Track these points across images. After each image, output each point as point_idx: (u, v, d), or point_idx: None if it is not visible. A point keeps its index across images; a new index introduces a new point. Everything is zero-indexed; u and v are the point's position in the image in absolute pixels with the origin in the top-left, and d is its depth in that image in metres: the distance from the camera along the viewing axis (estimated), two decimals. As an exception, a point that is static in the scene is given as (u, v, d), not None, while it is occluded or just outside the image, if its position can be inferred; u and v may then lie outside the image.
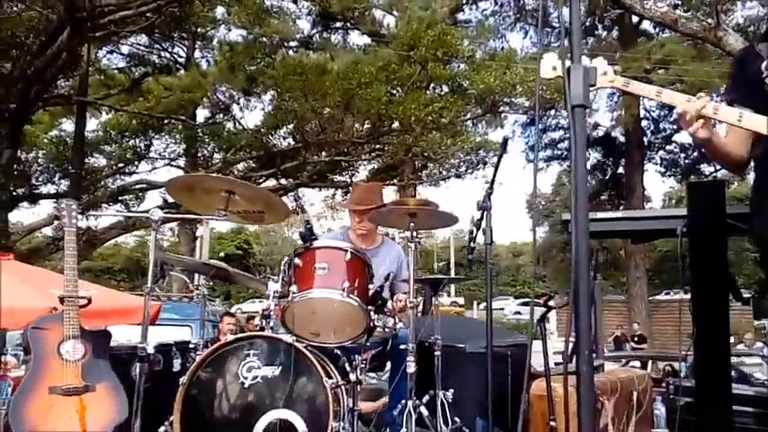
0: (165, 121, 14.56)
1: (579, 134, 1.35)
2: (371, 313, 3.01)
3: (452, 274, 26.26)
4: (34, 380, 3.00)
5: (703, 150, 2.35)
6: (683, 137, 23.72)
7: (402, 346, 3.04)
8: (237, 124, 14.00)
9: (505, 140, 3.35)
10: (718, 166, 23.17)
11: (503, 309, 32.29)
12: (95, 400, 3.07)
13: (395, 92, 11.20)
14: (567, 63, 2.16)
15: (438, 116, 10.33)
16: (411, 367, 2.96)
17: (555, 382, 3.30)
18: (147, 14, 9.69)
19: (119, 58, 16.99)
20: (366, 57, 16.36)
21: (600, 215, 3.26)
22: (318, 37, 20.69)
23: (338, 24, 20.60)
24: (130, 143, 15.21)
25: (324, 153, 11.98)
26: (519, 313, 32.14)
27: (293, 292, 2.91)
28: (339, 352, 3.16)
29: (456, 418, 3.36)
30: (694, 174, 24.82)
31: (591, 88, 1.81)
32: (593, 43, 21.96)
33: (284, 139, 13.01)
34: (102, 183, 14.31)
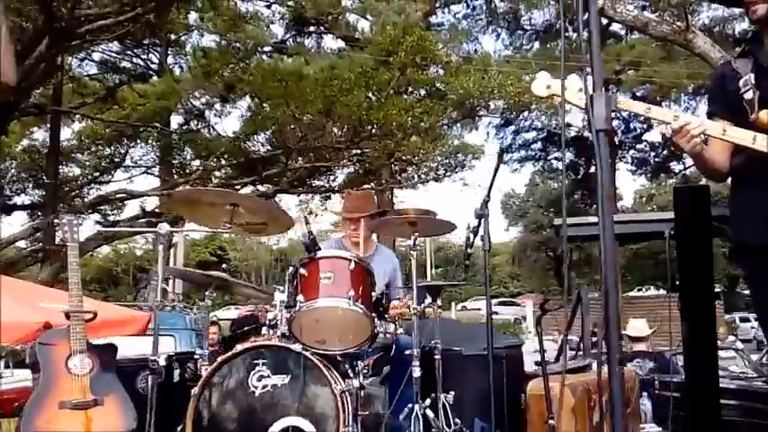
0: (141, 129, 14.45)
1: (603, 156, 1.46)
2: (375, 320, 3.10)
3: (429, 277, 26.44)
4: (44, 395, 3.03)
5: (696, 164, 2.49)
6: (653, 136, 24.28)
7: (407, 352, 3.13)
8: (213, 131, 13.99)
9: (502, 151, 3.47)
10: (685, 164, 23.79)
11: (479, 309, 32.60)
12: (104, 414, 3.10)
13: (373, 97, 11.29)
14: (566, 82, 2.29)
15: (419, 121, 10.46)
16: (417, 372, 3.06)
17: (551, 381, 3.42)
18: (124, 23, 9.64)
19: (90, 66, 16.85)
20: (342, 61, 16.44)
21: (591, 219, 3.39)
22: (292, 42, 20.74)
23: (312, 29, 20.67)
24: (106, 152, 15.08)
25: (302, 159, 12.01)
26: (495, 313, 32.44)
27: (300, 302, 2.99)
28: (340, 358, 3.24)
29: (456, 420, 3.46)
30: (664, 172, 25.44)
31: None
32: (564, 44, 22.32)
33: (263, 145, 13.01)
34: (78, 192, 14.17)
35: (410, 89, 12.52)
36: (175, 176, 15.12)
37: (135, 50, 16.57)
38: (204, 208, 3.08)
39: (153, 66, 17.08)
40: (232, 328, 9.04)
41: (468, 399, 3.72)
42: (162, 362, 3.01)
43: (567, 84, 2.26)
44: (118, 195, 11.80)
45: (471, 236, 3.28)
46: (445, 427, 3.30)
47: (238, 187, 13.51)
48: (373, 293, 3.16)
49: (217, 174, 13.20)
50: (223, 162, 13.26)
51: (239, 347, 2.98)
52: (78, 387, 3.08)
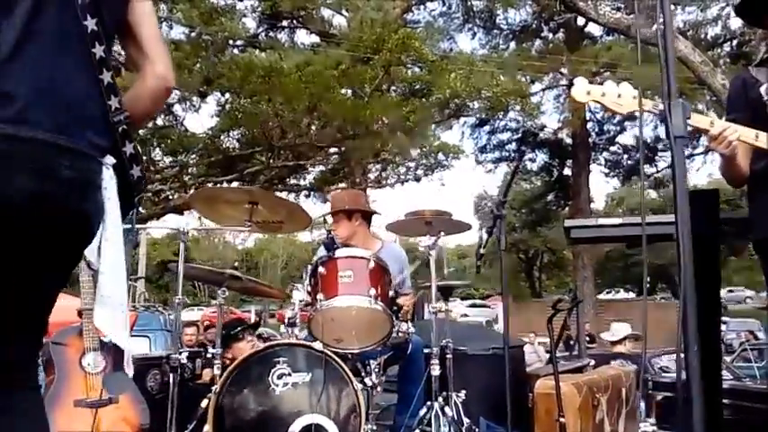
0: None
1: (680, 162, 1.51)
2: (393, 319, 3.12)
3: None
4: (58, 394, 2.99)
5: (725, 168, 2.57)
6: (626, 139, 24.69)
7: (426, 350, 3.16)
8: (182, 126, 13.79)
9: (522, 153, 3.52)
10: (657, 168, 24.24)
11: (451, 310, 32.60)
12: (119, 412, 3.08)
13: (357, 95, 11.30)
14: (603, 88, 2.34)
15: (404, 120, 10.50)
16: (436, 370, 3.09)
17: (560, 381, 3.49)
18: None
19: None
20: (317, 57, 16.41)
21: (602, 221, 3.47)
22: (264, 36, 20.60)
23: (285, 23, 20.55)
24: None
25: (281, 157, 11.94)
26: (466, 315, 32.61)
27: (320, 300, 2.99)
28: (353, 357, 3.26)
29: (466, 419, 3.50)
30: (635, 175, 25.87)
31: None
32: (540, 45, 22.59)
33: (239, 142, 12.88)
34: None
35: (393, 87, 12.56)
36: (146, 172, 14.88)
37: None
38: (223, 206, 3.07)
39: (119, 58, 16.75)
40: (208, 330, 8.95)
41: (474, 397, 3.77)
42: (184, 359, 2.97)
43: (606, 89, 2.30)
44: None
45: (485, 236, 3.32)
46: (457, 425, 3.33)
47: (210, 184, 13.39)
48: (390, 292, 3.18)
49: (191, 171, 13.00)
50: (195, 159, 13.09)
51: (261, 345, 2.98)
52: (93, 385, 3.05)
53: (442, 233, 3.23)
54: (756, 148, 2.45)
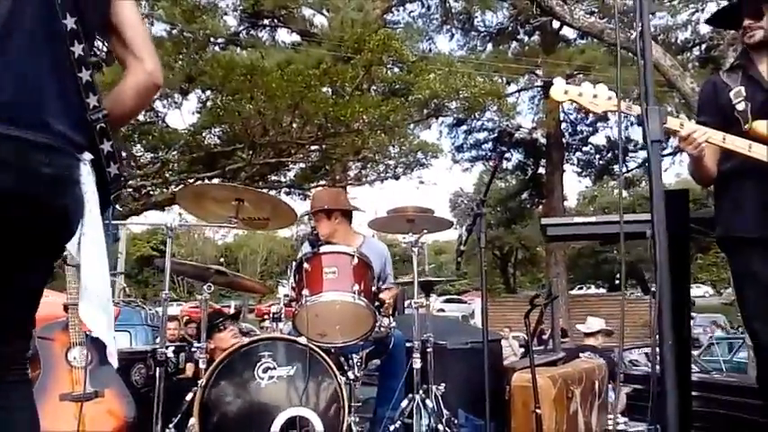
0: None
1: (656, 165, 1.61)
2: (376, 314, 3.20)
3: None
4: (45, 388, 3.03)
5: (693, 168, 2.69)
6: (598, 139, 25.07)
7: (408, 344, 3.25)
8: (163, 123, 13.71)
9: (502, 153, 3.62)
10: (627, 167, 24.63)
11: (430, 305, 32.74)
12: (105, 405, 3.12)
13: (339, 94, 11.36)
14: (580, 88, 2.46)
15: (385, 119, 10.59)
16: (417, 363, 3.19)
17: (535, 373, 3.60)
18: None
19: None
20: (298, 56, 16.40)
21: (577, 219, 3.58)
22: (245, 34, 20.54)
23: (266, 21, 20.51)
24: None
25: (263, 154, 11.95)
26: (442, 310, 32.79)
27: (305, 296, 3.06)
28: (335, 351, 3.33)
29: (446, 411, 3.59)
30: (607, 174, 26.29)
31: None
32: (516, 47, 22.84)
33: (220, 138, 12.86)
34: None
35: (374, 87, 12.63)
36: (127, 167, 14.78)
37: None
38: (209, 203, 3.12)
39: (100, 54, 16.60)
40: (189, 325, 8.95)
41: (453, 390, 3.86)
42: (169, 354, 3.02)
43: (583, 89, 2.42)
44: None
45: (465, 234, 3.42)
46: (439, 416, 3.42)
47: (191, 180, 13.34)
48: (373, 287, 3.26)
49: (173, 167, 12.94)
50: (177, 155, 13.02)
51: (246, 340, 3.04)
52: (78, 379, 3.09)
53: (425, 231, 3.32)
54: (724, 149, 2.59)
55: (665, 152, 21.69)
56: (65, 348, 3.14)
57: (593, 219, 3.60)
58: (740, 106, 2.59)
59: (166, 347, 3.08)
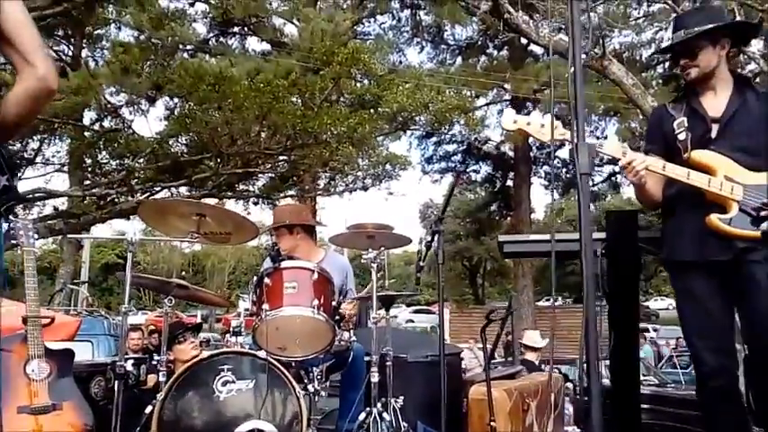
0: (56, 126, 13.80)
1: (585, 196, 1.72)
2: (335, 328, 3.27)
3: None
4: (4, 400, 3.01)
5: (637, 193, 2.84)
6: (565, 153, 25.45)
7: (366, 358, 3.32)
8: (130, 129, 13.56)
9: (458, 174, 3.72)
10: (593, 182, 25.16)
11: (396, 316, 32.93)
12: (62, 418, 3.13)
13: (307, 105, 11.42)
14: (528, 118, 2.58)
15: (353, 131, 10.67)
16: (375, 377, 3.26)
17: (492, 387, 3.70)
18: (49, 17, 9.33)
19: (-1, 56, 15.96)
20: (268, 65, 16.41)
21: (532, 237, 3.70)
22: (215, 41, 20.50)
23: (236, 29, 20.51)
24: (16, 147, 14.36)
25: (231, 164, 11.92)
26: (411, 321, 32.90)
27: (266, 310, 3.12)
28: (295, 364, 3.39)
29: (404, 423, 3.67)
30: (574, 188, 26.73)
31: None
32: (485, 61, 23.15)
33: (188, 147, 12.78)
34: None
35: (342, 99, 12.71)
36: (89, 176, 14.60)
37: (46, 41, 15.87)
38: (172, 218, 3.16)
39: (65, 58, 16.38)
40: (153, 335, 8.88)
41: (412, 403, 3.94)
42: (129, 367, 3.05)
43: (531, 119, 2.55)
44: (36, 195, 11.31)
45: (424, 250, 3.51)
46: (395, 429, 3.49)
47: (157, 189, 13.23)
48: (333, 302, 3.33)
49: (139, 175, 12.82)
50: (143, 163, 12.89)
51: (205, 354, 3.08)
52: (37, 391, 3.09)
53: (383, 248, 3.40)
54: (666, 177, 2.73)
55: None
56: (23, 361, 3.14)
57: (546, 237, 3.71)
58: (681, 136, 2.74)
59: (125, 360, 3.10)
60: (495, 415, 3.58)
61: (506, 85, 21.09)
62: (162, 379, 3.21)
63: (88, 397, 3.43)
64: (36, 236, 3.38)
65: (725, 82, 2.80)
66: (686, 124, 2.75)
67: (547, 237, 3.86)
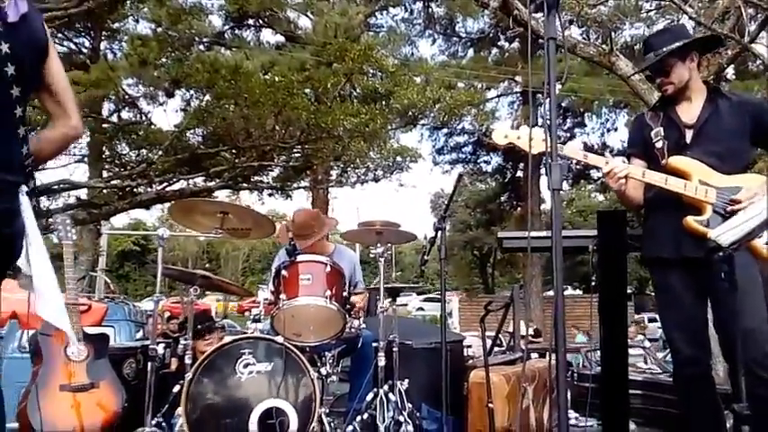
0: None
1: (557, 208, 2.00)
2: (346, 316, 3.58)
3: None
4: (46, 380, 3.37)
5: (619, 198, 3.12)
6: (576, 144, 25.63)
7: (374, 344, 3.63)
8: (147, 121, 13.88)
9: (460, 176, 4.01)
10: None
11: (406, 305, 33.31)
12: (99, 396, 3.47)
13: (317, 100, 11.71)
14: (518, 132, 2.83)
15: (364, 126, 10.95)
16: (381, 361, 3.57)
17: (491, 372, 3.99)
18: (75, 14, 9.66)
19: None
20: (282, 58, 16.70)
21: (534, 234, 3.96)
22: (230, 34, 20.79)
23: (251, 22, 20.77)
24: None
25: (246, 156, 12.23)
26: (422, 309, 33.27)
27: (283, 300, 3.43)
28: (309, 349, 3.70)
29: (408, 404, 3.98)
30: (584, 178, 26.89)
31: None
32: (497, 54, 23.31)
33: (204, 139, 13.10)
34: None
35: (354, 94, 12.98)
36: (109, 167, 14.95)
37: (66, 33, 16.15)
38: (197, 216, 3.48)
39: (84, 50, 16.68)
40: (171, 321, 9.23)
41: (417, 386, 4.24)
42: (160, 350, 3.38)
43: (521, 133, 2.82)
44: (60, 186, 11.69)
45: (428, 245, 3.80)
46: (401, 409, 3.81)
47: (175, 180, 13.56)
48: (344, 293, 3.64)
49: (157, 167, 13.15)
50: (161, 154, 13.21)
51: (228, 338, 3.40)
52: (77, 372, 3.43)
53: (390, 244, 3.70)
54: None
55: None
56: (64, 344, 3.48)
57: (542, 233, 3.98)
58: (658, 144, 2.99)
59: (157, 344, 3.43)
60: (492, 398, 3.87)
61: (517, 78, 21.28)
62: (188, 362, 3.53)
63: (121, 377, 3.77)
64: (73, 230, 3.71)
65: (698, 92, 3.03)
66: (662, 134, 2.99)
67: (542, 233, 4.15)
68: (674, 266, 2.94)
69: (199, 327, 4.79)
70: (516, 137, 2.85)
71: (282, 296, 3.44)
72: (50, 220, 3.74)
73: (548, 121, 2.15)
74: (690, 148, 2.95)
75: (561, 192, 2.08)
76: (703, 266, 2.80)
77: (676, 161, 2.92)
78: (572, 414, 5.17)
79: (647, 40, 3.17)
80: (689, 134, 2.98)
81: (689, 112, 3.02)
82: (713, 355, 3.22)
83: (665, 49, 2.96)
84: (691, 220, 2.84)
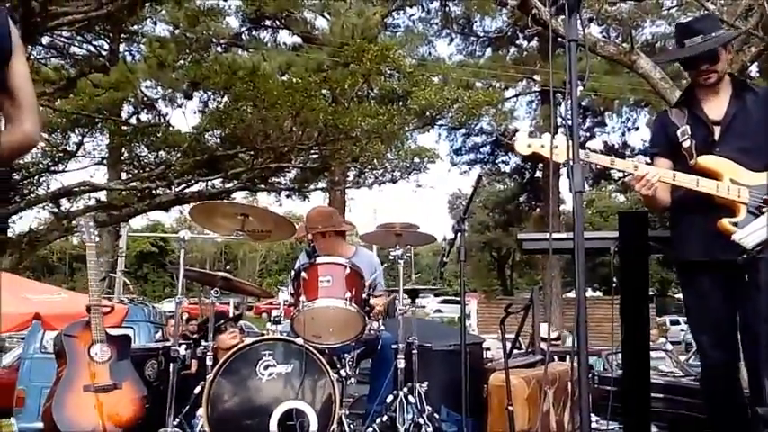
0: (97, 120, 14.33)
1: (578, 210, 1.98)
2: (366, 318, 3.58)
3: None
4: (71, 380, 3.41)
5: (646, 202, 3.01)
6: (596, 144, 25.48)
7: (394, 346, 3.63)
8: (165, 122, 13.98)
9: (480, 177, 4.00)
10: (624, 173, 25.10)
11: (424, 307, 33.21)
12: (122, 396, 3.51)
13: (335, 101, 11.75)
14: (542, 141, 2.78)
15: (382, 127, 10.97)
16: (401, 363, 3.57)
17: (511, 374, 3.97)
18: (95, 18, 9.78)
19: (37, 50, 16.48)
20: (299, 59, 16.78)
21: (556, 235, 3.93)
22: (247, 35, 20.94)
23: (267, 23, 20.89)
24: (58, 141, 14.92)
25: (263, 158, 12.30)
26: (440, 311, 33.19)
27: (303, 302, 3.44)
28: (329, 351, 3.71)
29: (428, 407, 3.97)
30: (604, 178, 26.71)
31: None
32: (515, 53, 23.21)
33: (222, 141, 13.20)
34: (31, 181, 14.02)
35: (372, 94, 13.01)
36: (128, 170, 15.11)
37: (85, 36, 16.30)
38: (218, 218, 3.50)
39: (103, 53, 16.83)
40: (190, 322, 9.32)
41: (436, 388, 4.23)
42: (182, 351, 3.40)
43: (544, 141, 2.75)
44: (81, 188, 11.85)
45: (447, 247, 3.80)
46: (420, 411, 3.79)
47: (194, 182, 13.66)
48: (364, 295, 3.64)
49: (176, 169, 13.27)
50: (180, 157, 13.31)
51: (248, 340, 3.42)
52: (100, 372, 3.47)
53: (409, 246, 3.69)
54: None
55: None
56: (87, 345, 3.52)
57: (563, 235, 3.95)
58: (686, 144, 2.88)
59: (179, 345, 3.46)
60: (512, 400, 3.85)
61: (536, 77, 21.17)
62: (208, 363, 3.55)
63: (143, 378, 3.80)
64: (96, 232, 3.75)
65: (725, 85, 2.93)
66: (689, 132, 2.88)
67: (563, 235, 4.12)
68: (704, 269, 2.86)
69: (221, 322, 4.81)
70: (540, 146, 2.76)
71: (302, 298, 3.45)
72: (73, 222, 3.77)
73: (569, 122, 2.11)
74: (718, 145, 2.86)
75: (581, 192, 2.05)
76: (735, 268, 2.70)
77: (706, 161, 2.83)
78: (593, 417, 5.14)
79: (688, 24, 3.03)
80: (717, 131, 2.88)
81: (716, 108, 2.91)
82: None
83: (721, 34, 2.83)
84: (725, 222, 2.73)
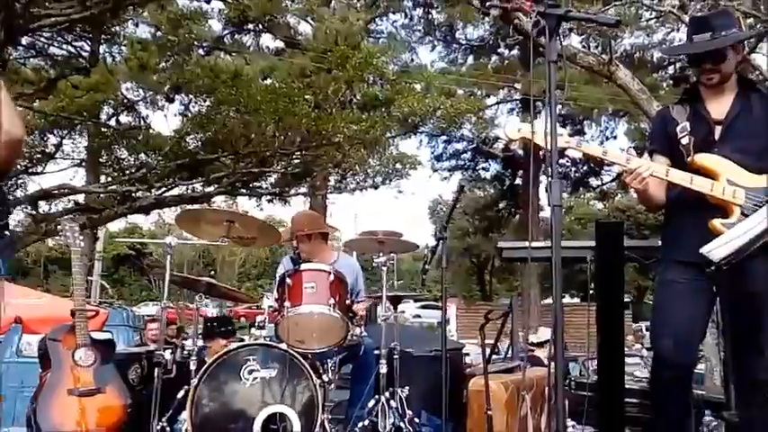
0: (77, 122, 14.21)
1: (556, 224, 2.07)
2: (348, 324, 3.64)
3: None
4: (54, 384, 3.42)
5: (640, 197, 2.97)
6: (574, 152, 25.74)
7: (376, 351, 3.69)
8: (145, 126, 13.90)
9: (461, 187, 4.08)
10: (602, 180, 25.40)
11: (404, 312, 33.11)
12: (106, 400, 3.52)
13: (318, 107, 11.81)
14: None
15: (365, 133, 11.05)
16: (383, 368, 3.64)
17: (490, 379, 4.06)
18: (78, 20, 9.74)
19: (18, 51, 16.30)
20: (282, 63, 16.79)
21: (535, 244, 4.02)
22: (230, 38, 20.88)
23: (250, 26, 20.87)
24: (37, 142, 14.77)
25: (246, 162, 12.31)
26: (419, 316, 33.22)
27: (287, 307, 3.50)
28: (312, 356, 3.76)
29: (409, 411, 4.04)
30: (582, 186, 27.02)
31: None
32: (497, 61, 23.43)
33: (204, 145, 13.16)
34: (7, 183, 13.86)
35: (354, 101, 13.08)
36: (107, 172, 14.99)
37: (65, 37, 16.14)
38: (204, 225, 3.55)
39: (84, 54, 16.65)
40: (170, 326, 9.31)
41: (417, 393, 4.30)
42: (167, 356, 3.43)
43: (536, 129, 2.74)
44: (60, 191, 11.76)
45: (429, 255, 3.88)
46: (401, 415, 3.87)
47: (174, 186, 13.59)
48: (347, 301, 3.71)
49: (157, 172, 13.20)
50: (160, 160, 13.24)
51: (233, 345, 3.47)
52: (84, 377, 3.49)
53: (392, 253, 3.77)
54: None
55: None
56: (71, 349, 3.53)
57: (541, 243, 4.04)
58: (684, 140, 2.79)
59: (164, 349, 3.49)
60: (491, 405, 3.94)
61: (517, 85, 21.39)
62: (192, 367, 3.58)
63: (126, 382, 3.82)
64: (82, 237, 3.77)
65: (731, 84, 2.83)
66: (689, 129, 2.80)
67: (542, 244, 4.22)
68: (691, 268, 2.72)
69: (229, 328, 4.82)
70: (531, 131, 2.71)
71: (287, 304, 3.50)
72: (59, 227, 3.79)
73: (548, 136, 2.20)
74: (718, 144, 2.77)
75: (560, 207, 2.14)
76: (725, 271, 2.54)
77: (703, 159, 2.74)
78: (569, 422, 5.25)
79: (700, 19, 2.98)
80: (718, 130, 2.80)
81: (719, 106, 2.83)
82: (711, 363, 3.21)
83: (731, 33, 2.72)
84: (717, 223, 2.64)
